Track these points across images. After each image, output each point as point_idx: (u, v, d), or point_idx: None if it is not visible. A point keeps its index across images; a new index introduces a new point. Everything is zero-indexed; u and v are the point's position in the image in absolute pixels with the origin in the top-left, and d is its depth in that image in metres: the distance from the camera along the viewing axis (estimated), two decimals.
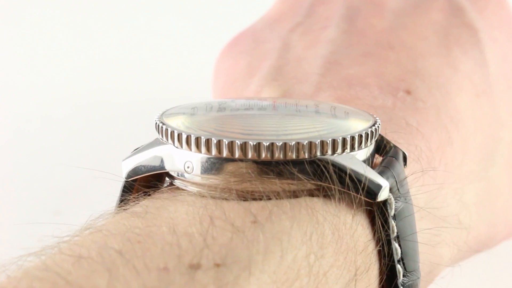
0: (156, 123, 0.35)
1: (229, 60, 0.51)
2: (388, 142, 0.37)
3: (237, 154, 0.32)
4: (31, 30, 0.74)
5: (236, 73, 0.49)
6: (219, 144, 0.32)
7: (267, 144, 0.32)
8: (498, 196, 0.45)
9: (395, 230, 0.34)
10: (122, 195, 0.36)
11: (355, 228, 0.33)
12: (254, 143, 0.32)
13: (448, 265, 0.42)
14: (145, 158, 0.35)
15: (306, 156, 0.32)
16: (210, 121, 0.35)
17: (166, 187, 0.36)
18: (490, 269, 0.52)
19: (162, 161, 0.35)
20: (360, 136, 0.34)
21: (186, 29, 0.75)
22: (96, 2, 0.78)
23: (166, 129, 0.34)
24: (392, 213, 0.34)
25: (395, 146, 0.37)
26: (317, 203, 0.33)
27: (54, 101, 0.65)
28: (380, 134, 0.37)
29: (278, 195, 0.32)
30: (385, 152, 0.37)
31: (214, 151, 0.33)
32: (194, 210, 0.31)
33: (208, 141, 0.33)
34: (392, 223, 0.34)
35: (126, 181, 0.36)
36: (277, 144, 0.32)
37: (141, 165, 0.35)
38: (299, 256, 0.30)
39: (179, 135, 0.33)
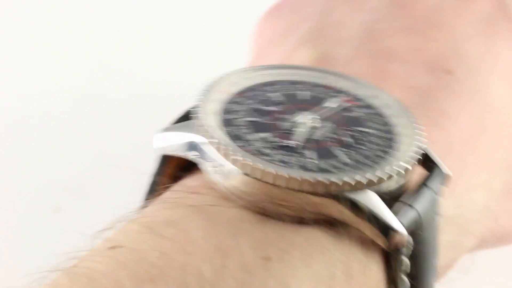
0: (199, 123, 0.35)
1: (271, 21, 0.50)
2: (431, 157, 0.37)
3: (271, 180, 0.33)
4: (31, 29, 0.74)
5: (275, 32, 0.49)
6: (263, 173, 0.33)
7: (300, 178, 0.32)
8: None
9: (409, 268, 0.34)
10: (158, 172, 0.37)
11: (368, 266, 0.33)
12: (287, 176, 0.32)
13: (468, 252, 0.43)
14: (181, 140, 0.35)
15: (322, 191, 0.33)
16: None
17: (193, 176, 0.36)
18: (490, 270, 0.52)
19: (198, 151, 0.35)
20: (389, 175, 0.34)
21: (186, 28, 0.75)
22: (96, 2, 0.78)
23: (212, 140, 0.34)
24: (406, 253, 0.34)
25: (436, 165, 0.36)
26: (329, 240, 0.33)
27: (54, 98, 0.64)
28: (422, 147, 0.36)
29: (294, 218, 0.33)
30: (427, 166, 0.36)
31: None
32: (211, 236, 0.32)
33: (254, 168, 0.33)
34: (406, 261, 0.34)
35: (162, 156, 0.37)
36: (310, 181, 0.32)
37: (173, 146, 0.36)
38: None
39: (225, 152, 0.33)
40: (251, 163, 0.33)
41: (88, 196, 0.45)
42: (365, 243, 0.33)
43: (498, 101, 0.43)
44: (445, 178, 0.37)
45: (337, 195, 0.33)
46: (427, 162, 0.37)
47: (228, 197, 0.34)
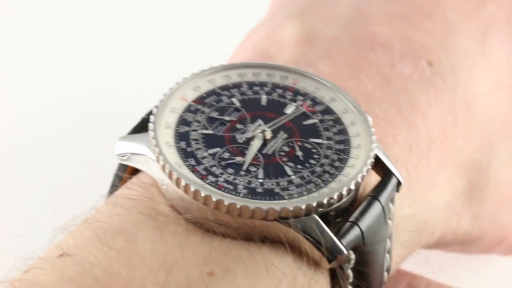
0: (150, 133, 0.36)
1: None
2: (384, 164, 0.37)
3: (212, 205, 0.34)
4: (30, 29, 0.74)
5: (277, 6, 0.49)
6: (204, 198, 0.34)
7: (239, 206, 0.33)
8: (493, 192, 0.45)
9: (351, 279, 0.35)
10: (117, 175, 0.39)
11: (314, 279, 0.34)
12: (227, 203, 0.33)
13: (426, 247, 0.43)
14: (135, 151, 0.36)
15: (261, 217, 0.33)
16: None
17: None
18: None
19: (147, 165, 0.36)
20: (330, 199, 0.34)
21: (186, 28, 0.75)
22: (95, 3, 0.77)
23: (158, 157, 0.35)
24: (351, 266, 0.35)
25: (389, 172, 0.37)
26: (276, 256, 0.34)
27: (53, 100, 0.65)
28: (376, 154, 0.36)
29: (240, 236, 0.34)
30: (381, 171, 0.37)
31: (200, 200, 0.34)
32: (158, 249, 0.33)
33: (195, 193, 0.34)
34: (350, 274, 0.35)
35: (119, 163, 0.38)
36: (249, 207, 0.33)
37: (128, 155, 0.37)
38: None
39: (170, 173, 0.34)
40: (192, 188, 0.34)
41: (88, 197, 0.47)
42: (311, 258, 0.34)
43: (476, 99, 0.43)
44: (399, 184, 0.37)
45: (277, 220, 0.33)
46: (381, 168, 0.37)
47: (177, 208, 0.35)
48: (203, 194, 0.33)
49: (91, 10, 0.74)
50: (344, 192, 0.34)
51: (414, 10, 0.44)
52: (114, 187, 0.39)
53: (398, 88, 0.41)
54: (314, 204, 0.34)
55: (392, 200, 0.37)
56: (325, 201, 0.34)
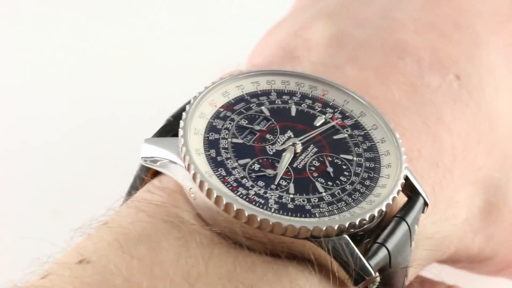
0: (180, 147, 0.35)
1: None
2: (412, 184, 0.37)
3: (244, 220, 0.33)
4: (32, 30, 0.73)
5: (305, 0, 0.48)
6: (236, 212, 0.33)
7: (272, 222, 0.33)
8: (510, 213, 0.44)
9: None
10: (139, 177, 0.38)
11: None
12: (259, 219, 0.33)
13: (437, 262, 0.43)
14: (163, 157, 0.36)
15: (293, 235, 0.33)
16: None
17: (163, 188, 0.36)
18: None
19: (174, 171, 0.35)
20: (362, 220, 0.34)
21: (186, 29, 0.74)
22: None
23: (189, 165, 0.34)
24: (374, 287, 0.35)
25: (417, 192, 0.37)
26: (302, 276, 0.33)
27: (54, 104, 0.64)
28: (406, 175, 0.36)
29: (267, 251, 0.33)
30: (408, 190, 0.37)
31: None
32: (181, 261, 0.32)
33: (227, 206, 0.33)
34: None
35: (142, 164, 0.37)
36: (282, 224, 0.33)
37: (154, 159, 0.36)
38: None
39: (201, 183, 0.33)
40: (225, 201, 0.33)
41: (88, 199, 0.46)
42: (337, 279, 0.34)
43: (500, 117, 0.43)
44: (425, 204, 0.37)
45: (308, 238, 0.33)
46: (408, 187, 0.37)
47: (202, 217, 0.34)
48: (235, 208, 0.33)
49: (94, 10, 0.73)
50: (376, 214, 0.34)
51: (444, 20, 0.44)
52: (134, 189, 0.38)
53: (425, 99, 0.41)
54: (347, 225, 0.33)
55: (417, 222, 0.37)
56: (357, 222, 0.33)
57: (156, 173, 0.37)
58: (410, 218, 0.36)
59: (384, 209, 0.34)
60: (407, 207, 0.36)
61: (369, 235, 0.35)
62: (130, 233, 0.33)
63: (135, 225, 0.34)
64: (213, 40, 0.69)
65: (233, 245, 0.33)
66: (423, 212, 0.37)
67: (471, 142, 0.41)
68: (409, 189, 0.37)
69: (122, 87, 0.65)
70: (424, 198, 0.37)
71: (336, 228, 0.33)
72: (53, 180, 0.57)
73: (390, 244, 0.35)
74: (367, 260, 0.34)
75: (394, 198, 0.35)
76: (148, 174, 0.38)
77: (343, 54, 0.42)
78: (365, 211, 0.34)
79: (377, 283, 0.35)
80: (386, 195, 0.35)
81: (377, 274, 0.34)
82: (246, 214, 0.33)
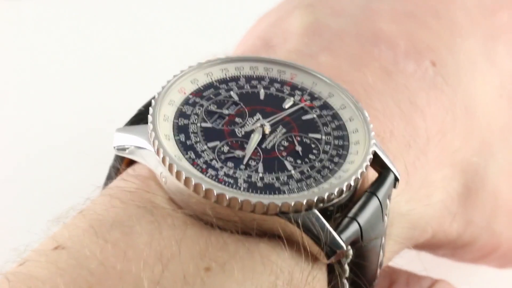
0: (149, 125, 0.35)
1: None
2: (382, 160, 0.37)
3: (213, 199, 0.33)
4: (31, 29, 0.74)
5: None
6: (205, 192, 0.33)
7: (240, 200, 0.33)
8: (488, 198, 0.45)
9: (347, 273, 0.36)
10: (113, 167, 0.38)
11: (312, 274, 0.34)
12: (228, 197, 0.33)
13: (417, 246, 0.43)
14: (134, 144, 0.36)
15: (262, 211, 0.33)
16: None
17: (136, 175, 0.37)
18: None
19: (146, 157, 0.36)
20: (330, 195, 0.34)
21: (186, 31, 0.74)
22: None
23: (158, 150, 0.34)
24: (348, 261, 0.35)
25: (387, 168, 0.37)
26: (274, 252, 0.34)
27: (54, 106, 0.65)
28: (375, 151, 0.37)
29: (239, 230, 0.34)
30: (378, 167, 0.37)
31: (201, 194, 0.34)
32: (154, 243, 0.33)
33: (196, 186, 0.33)
34: (347, 268, 0.35)
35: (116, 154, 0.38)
36: (250, 201, 0.33)
37: (126, 147, 0.37)
38: None
39: (171, 166, 0.34)
40: (194, 182, 0.33)
41: (82, 189, 0.46)
42: (309, 253, 0.34)
43: (476, 104, 0.43)
44: (396, 180, 0.37)
45: (277, 214, 0.33)
46: (379, 163, 0.37)
47: (175, 201, 0.35)
48: (204, 188, 0.33)
49: (93, 10, 0.74)
50: (344, 188, 0.35)
51: (423, 10, 0.44)
52: (110, 179, 0.38)
53: (399, 84, 0.41)
54: (315, 199, 0.34)
55: (389, 197, 0.37)
56: (325, 197, 0.34)
57: (130, 163, 0.38)
58: (381, 193, 0.36)
59: (352, 183, 0.35)
60: (378, 182, 0.37)
61: (340, 211, 0.35)
62: (104, 219, 0.34)
63: (109, 211, 0.34)
64: (214, 40, 0.70)
65: (205, 226, 0.34)
66: (394, 187, 0.37)
67: (446, 126, 0.42)
68: (380, 166, 0.37)
69: (126, 89, 0.65)
70: (394, 173, 0.37)
71: (304, 203, 0.33)
72: (44, 172, 0.57)
73: (361, 218, 0.35)
74: (338, 234, 0.34)
75: (362, 173, 0.35)
76: (122, 164, 0.38)
77: (318, 43, 0.42)
78: (333, 185, 0.34)
79: (350, 257, 0.35)
80: (355, 170, 0.35)
81: (349, 247, 0.35)
82: (215, 193, 0.33)
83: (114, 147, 0.37)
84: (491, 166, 0.44)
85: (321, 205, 0.34)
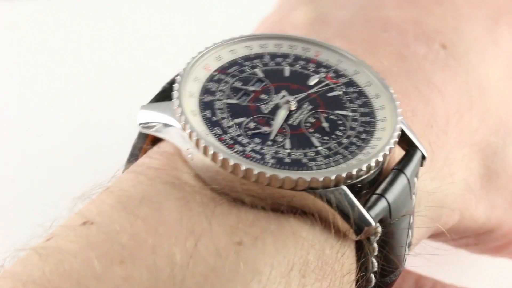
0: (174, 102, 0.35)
1: None
2: (408, 138, 0.37)
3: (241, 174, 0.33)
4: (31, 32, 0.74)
5: None
6: (233, 167, 0.33)
7: (268, 175, 0.33)
8: (510, 180, 0.44)
9: (377, 252, 0.35)
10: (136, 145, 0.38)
11: (341, 251, 0.34)
12: (256, 172, 0.33)
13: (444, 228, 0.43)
14: (159, 120, 0.36)
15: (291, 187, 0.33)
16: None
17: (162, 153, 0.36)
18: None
19: (171, 133, 0.35)
20: (359, 171, 0.34)
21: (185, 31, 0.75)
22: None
23: (184, 125, 0.34)
24: (376, 239, 0.35)
25: (414, 146, 0.37)
26: (304, 227, 0.34)
27: (54, 105, 0.65)
28: (402, 130, 0.36)
29: (268, 206, 0.33)
30: (404, 145, 0.37)
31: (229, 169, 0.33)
32: (184, 219, 0.32)
33: (223, 161, 0.33)
34: (375, 247, 0.35)
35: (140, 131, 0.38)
36: (278, 176, 0.33)
37: (151, 124, 0.36)
38: None
39: (197, 141, 0.34)
40: (221, 157, 0.33)
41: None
42: (338, 230, 0.34)
43: (489, 83, 0.43)
44: (423, 158, 0.37)
45: (306, 190, 0.33)
46: (405, 141, 0.37)
47: (201, 177, 0.34)
48: (232, 163, 0.33)
49: (93, 10, 0.74)
50: (373, 164, 0.34)
51: None
52: (132, 157, 0.38)
53: (414, 66, 0.41)
54: (344, 175, 0.33)
55: (416, 175, 0.37)
56: (354, 172, 0.34)
57: (155, 141, 0.38)
58: (408, 170, 0.36)
59: (380, 159, 0.34)
60: (405, 160, 0.36)
61: (368, 187, 0.35)
62: (131, 195, 0.34)
63: (136, 188, 0.34)
64: (213, 40, 0.70)
65: (234, 203, 0.34)
66: (421, 165, 0.37)
67: (462, 106, 0.42)
68: (406, 143, 0.37)
69: (126, 89, 0.65)
70: (421, 151, 0.37)
71: (333, 178, 0.33)
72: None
73: (390, 195, 0.35)
74: (367, 211, 0.34)
75: (390, 149, 0.35)
76: (147, 141, 0.38)
77: (329, 30, 0.43)
78: (361, 162, 0.34)
79: (379, 234, 0.35)
80: (382, 146, 0.35)
81: (378, 224, 0.35)
82: (243, 169, 0.33)
83: (139, 124, 0.37)
84: (510, 145, 0.44)
85: (349, 181, 0.34)
